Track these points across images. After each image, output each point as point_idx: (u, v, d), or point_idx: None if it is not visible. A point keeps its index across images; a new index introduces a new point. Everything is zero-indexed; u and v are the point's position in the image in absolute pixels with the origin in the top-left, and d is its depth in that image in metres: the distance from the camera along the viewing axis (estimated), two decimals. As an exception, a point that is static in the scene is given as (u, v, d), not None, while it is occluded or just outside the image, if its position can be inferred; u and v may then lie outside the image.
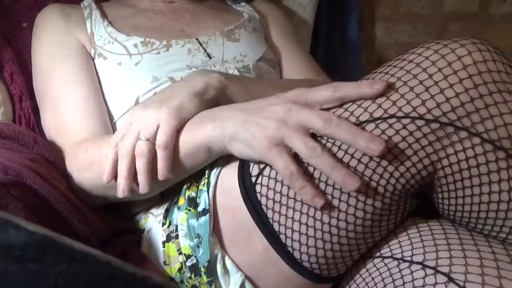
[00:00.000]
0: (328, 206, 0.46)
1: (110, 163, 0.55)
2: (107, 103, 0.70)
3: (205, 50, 0.71)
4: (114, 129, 0.69)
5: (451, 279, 0.43)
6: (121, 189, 0.54)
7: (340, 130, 0.44)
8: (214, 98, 0.57)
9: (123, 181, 0.54)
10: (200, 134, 0.52)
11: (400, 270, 0.47)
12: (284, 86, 0.60)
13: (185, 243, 0.54)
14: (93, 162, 0.59)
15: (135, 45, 0.70)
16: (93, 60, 0.72)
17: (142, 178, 0.53)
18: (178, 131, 0.53)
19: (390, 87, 0.45)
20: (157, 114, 0.53)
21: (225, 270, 0.52)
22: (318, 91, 0.47)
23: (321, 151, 0.44)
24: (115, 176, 0.55)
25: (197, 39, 0.72)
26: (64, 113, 0.67)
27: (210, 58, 0.72)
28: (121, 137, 0.55)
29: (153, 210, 0.62)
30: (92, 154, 0.59)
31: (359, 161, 0.45)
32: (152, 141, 0.53)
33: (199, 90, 0.56)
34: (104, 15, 0.75)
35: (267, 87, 0.63)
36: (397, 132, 0.43)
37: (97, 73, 0.71)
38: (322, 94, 0.47)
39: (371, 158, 0.44)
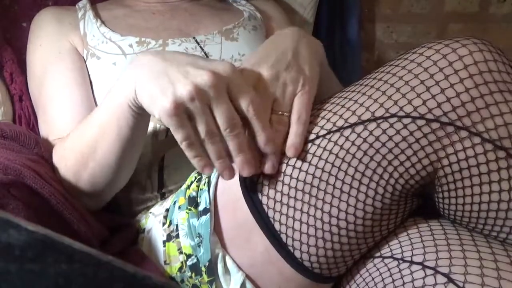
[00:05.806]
0: (329, 206, 0.46)
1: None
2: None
3: (202, 49, 0.71)
4: None
5: (450, 280, 0.43)
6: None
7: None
8: None
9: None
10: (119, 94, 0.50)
11: (400, 270, 0.47)
12: None
13: (185, 243, 0.54)
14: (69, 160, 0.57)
15: (130, 45, 0.69)
16: (85, 61, 0.71)
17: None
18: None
19: (392, 87, 0.45)
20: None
21: (226, 270, 0.52)
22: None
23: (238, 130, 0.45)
24: None
25: (194, 38, 0.72)
26: (53, 118, 0.67)
27: (208, 57, 0.72)
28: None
29: (153, 210, 0.62)
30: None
31: (360, 161, 0.45)
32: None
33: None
34: (97, 15, 0.75)
35: None
36: (398, 132, 0.44)
37: (89, 74, 0.71)
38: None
39: (371, 158, 0.44)
